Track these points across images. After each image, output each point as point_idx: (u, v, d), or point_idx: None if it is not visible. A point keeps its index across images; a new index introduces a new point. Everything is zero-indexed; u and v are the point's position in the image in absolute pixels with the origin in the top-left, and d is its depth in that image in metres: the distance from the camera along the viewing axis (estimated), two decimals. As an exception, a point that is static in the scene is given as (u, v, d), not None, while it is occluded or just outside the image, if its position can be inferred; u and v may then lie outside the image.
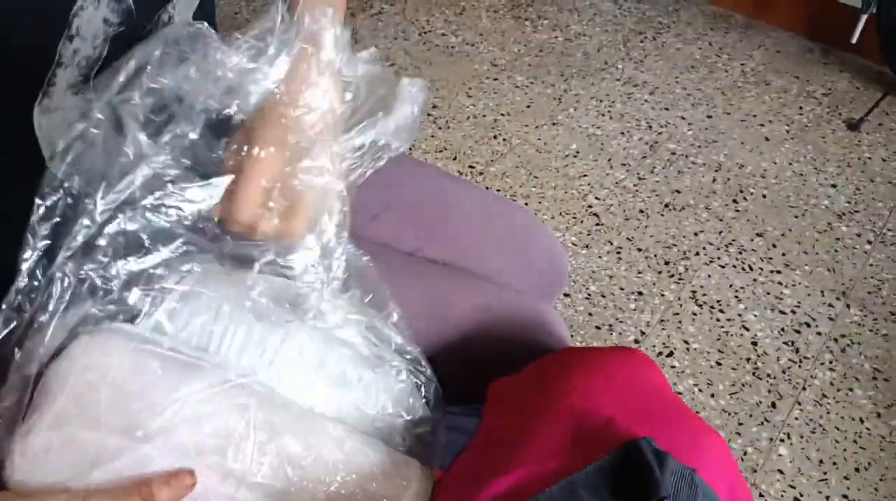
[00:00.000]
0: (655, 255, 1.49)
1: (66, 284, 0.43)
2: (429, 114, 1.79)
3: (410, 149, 1.67)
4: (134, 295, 0.45)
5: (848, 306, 1.41)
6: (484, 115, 1.81)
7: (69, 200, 0.43)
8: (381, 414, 0.49)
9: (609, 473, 0.41)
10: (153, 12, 0.53)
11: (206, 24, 0.47)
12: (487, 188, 1.60)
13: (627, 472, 0.41)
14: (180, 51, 0.45)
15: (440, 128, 1.75)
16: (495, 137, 1.74)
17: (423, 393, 0.53)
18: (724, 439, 0.46)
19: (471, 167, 1.66)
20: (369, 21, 2.11)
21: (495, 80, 1.93)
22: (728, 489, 0.43)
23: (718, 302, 1.40)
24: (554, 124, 1.80)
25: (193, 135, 0.46)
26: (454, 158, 1.68)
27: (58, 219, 0.43)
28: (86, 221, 0.43)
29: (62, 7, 0.46)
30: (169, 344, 0.45)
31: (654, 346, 1.32)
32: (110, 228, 0.43)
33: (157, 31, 0.46)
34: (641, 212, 1.58)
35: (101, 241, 0.43)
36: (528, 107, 1.85)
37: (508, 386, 0.52)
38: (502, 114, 1.82)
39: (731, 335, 1.34)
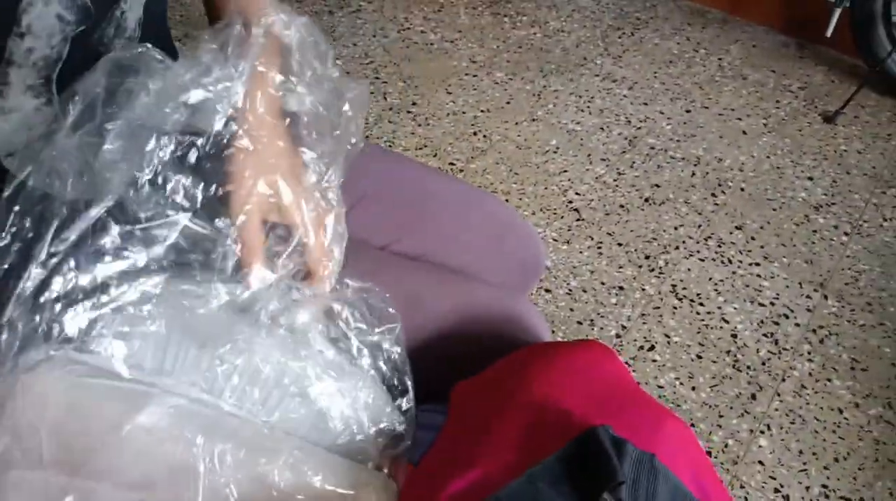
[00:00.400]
0: (636, 250, 1.49)
1: (15, 334, 0.42)
2: (408, 112, 1.78)
3: (390, 145, 1.66)
4: (84, 320, 0.43)
5: (825, 297, 1.42)
6: (463, 112, 1.80)
7: (18, 244, 0.42)
8: (346, 428, 0.48)
9: (567, 464, 0.41)
10: (108, 8, 0.52)
11: (148, 45, 0.45)
12: (467, 185, 1.59)
13: (586, 461, 0.41)
14: (128, 79, 0.44)
15: (420, 126, 1.74)
16: (475, 134, 1.74)
17: (394, 397, 0.51)
18: (684, 422, 0.46)
19: (451, 164, 1.65)
20: (347, 18, 2.09)
21: (474, 76, 1.93)
22: (690, 471, 0.43)
23: (698, 295, 1.41)
24: (533, 120, 1.80)
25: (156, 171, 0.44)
26: (434, 155, 1.67)
27: (6, 267, 0.41)
28: (36, 269, 0.41)
29: (9, 3, 0.45)
30: (116, 371, 0.44)
31: (635, 340, 1.32)
32: (62, 274, 0.42)
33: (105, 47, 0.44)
34: (621, 206, 1.59)
35: (54, 287, 0.42)
36: (508, 103, 1.85)
37: (470, 387, 0.51)
38: (482, 111, 1.81)
39: (711, 328, 1.35)
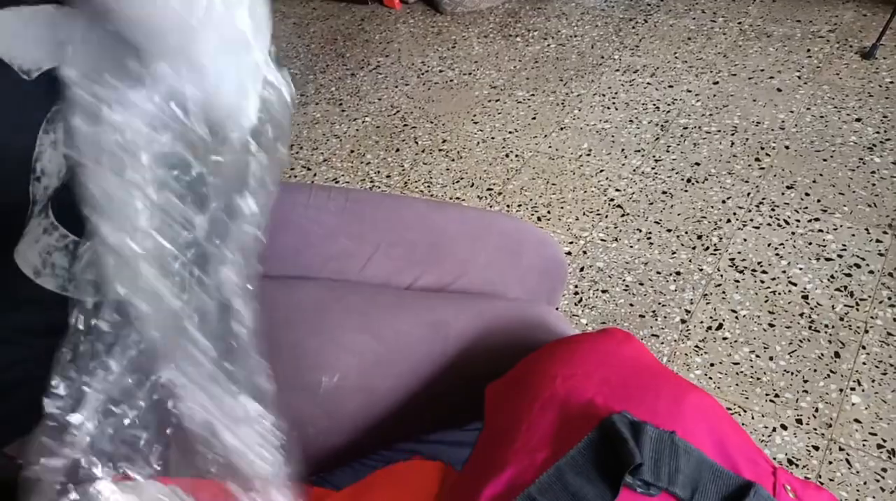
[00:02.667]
0: (686, 232, 1.48)
1: None
2: (440, 150, 1.85)
3: (428, 185, 1.73)
4: None
5: (897, 237, 1.36)
6: (493, 137, 1.85)
7: None
8: None
9: (591, 452, 0.43)
10: None
11: None
12: (508, 207, 1.63)
13: (609, 448, 0.43)
14: None
15: (453, 160, 1.81)
16: (507, 156, 1.78)
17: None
18: (705, 392, 0.48)
19: (489, 189, 1.70)
20: (369, 76, 2.20)
21: (497, 101, 1.98)
22: (714, 441, 0.45)
23: (759, 263, 1.38)
24: (562, 129, 1.83)
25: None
26: (472, 185, 1.72)
27: None
28: None
29: (25, 155, 0.47)
30: None
31: (701, 322, 1.31)
32: None
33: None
34: (664, 193, 1.58)
35: None
36: (534, 118, 1.89)
37: (502, 387, 0.55)
38: (510, 132, 1.86)
39: (779, 294, 1.32)
